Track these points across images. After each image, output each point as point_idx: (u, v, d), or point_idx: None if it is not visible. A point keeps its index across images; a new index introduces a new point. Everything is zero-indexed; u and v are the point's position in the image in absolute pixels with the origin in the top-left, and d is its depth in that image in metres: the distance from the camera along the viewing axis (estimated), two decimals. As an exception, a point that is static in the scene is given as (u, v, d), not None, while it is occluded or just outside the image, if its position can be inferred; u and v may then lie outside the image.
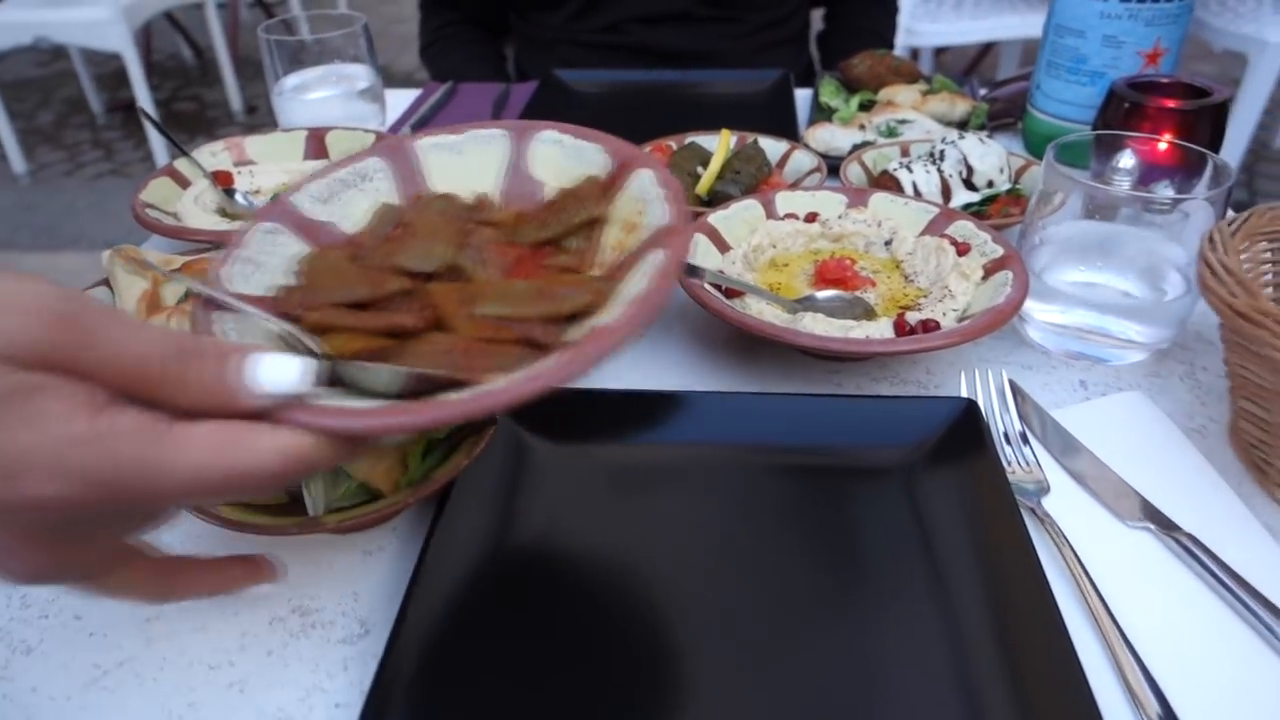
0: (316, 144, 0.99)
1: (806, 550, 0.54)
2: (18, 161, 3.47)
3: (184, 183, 0.92)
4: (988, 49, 3.44)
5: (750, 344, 0.74)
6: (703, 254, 0.75)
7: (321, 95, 1.08)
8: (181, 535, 0.57)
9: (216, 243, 0.80)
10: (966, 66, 3.45)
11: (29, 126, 3.82)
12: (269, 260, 0.49)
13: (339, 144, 0.99)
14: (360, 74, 1.10)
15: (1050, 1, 1.00)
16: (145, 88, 3.24)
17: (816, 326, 0.65)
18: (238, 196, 0.90)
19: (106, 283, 0.74)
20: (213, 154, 0.96)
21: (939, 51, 3.44)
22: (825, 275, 0.73)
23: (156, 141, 3.41)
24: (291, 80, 1.09)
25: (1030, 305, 0.71)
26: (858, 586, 0.52)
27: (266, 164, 0.98)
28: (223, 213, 0.89)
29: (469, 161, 0.54)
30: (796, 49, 1.60)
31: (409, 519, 0.59)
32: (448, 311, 0.43)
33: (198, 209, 0.88)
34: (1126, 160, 0.78)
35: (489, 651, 0.48)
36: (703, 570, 0.53)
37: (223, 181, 0.91)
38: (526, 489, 0.59)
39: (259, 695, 0.48)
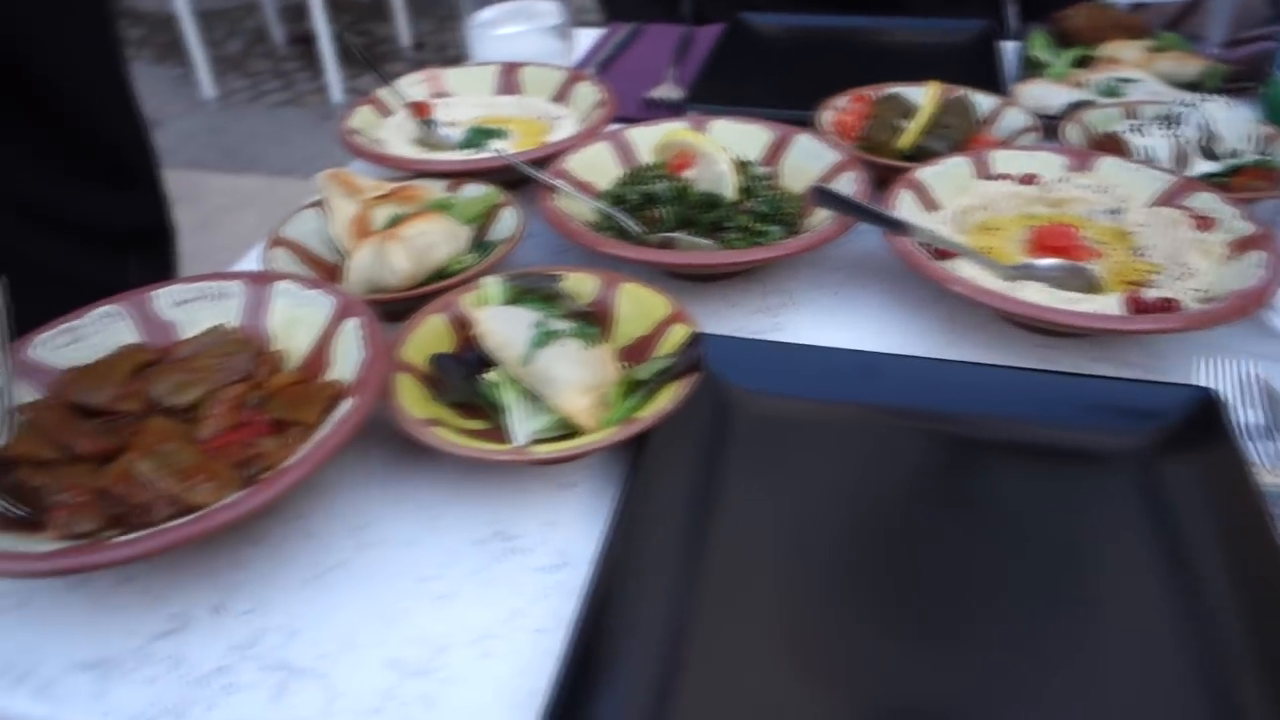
0: (509, 78, 1.00)
1: (1013, 535, 0.51)
2: (208, 87, 3.70)
3: (385, 111, 0.95)
4: (1194, 5, 3.14)
5: (952, 309, 0.70)
6: (908, 212, 0.71)
7: (513, 30, 1.09)
8: (378, 461, 0.60)
9: (418, 170, 0.82)
10: (1168, 23, 3.15)
11: (219, 54, 4.06)
12: (94, 338, 0.61)
13: (532, 80, 1.00)
14: (551, 11, 1.10)
15: (1320, -50, 0.88)
16: (325, 21, 3.38)
17: (1038, 296, 0.61)
18: (435, 127, 0.92)
19: (319, 203, 0.78)
20: (411, 85, 0.99)
21: (1137, 7, 3.17)
22: (1044, 242, 0.68)
23: (332, 74, 3.56)
24: (484, 14, 1.11)
25: (1280, 290, 0.64)
26: (1075, 575, 0.48)
27: (462, 96, 1.00)
28: (420, 142, 0.91)
29: (305, 315, 0.62)
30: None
31: (601, 456, 0.59)
32: (142, 445, 0.52)
33: (398, 137, 0.90)
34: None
35: (687, 597, 0.48)
36: (898, 539, 0.51)
37: (421, 112, 0.93)
38: (722, 437, 0.58)
39: (465, 611, 0.49)
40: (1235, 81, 1.00)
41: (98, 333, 0.61)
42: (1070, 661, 0.44)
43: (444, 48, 4.04)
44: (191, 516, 0.46)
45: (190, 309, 0.63)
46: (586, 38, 1.28)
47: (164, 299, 0.63)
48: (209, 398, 0.56)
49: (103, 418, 0.56)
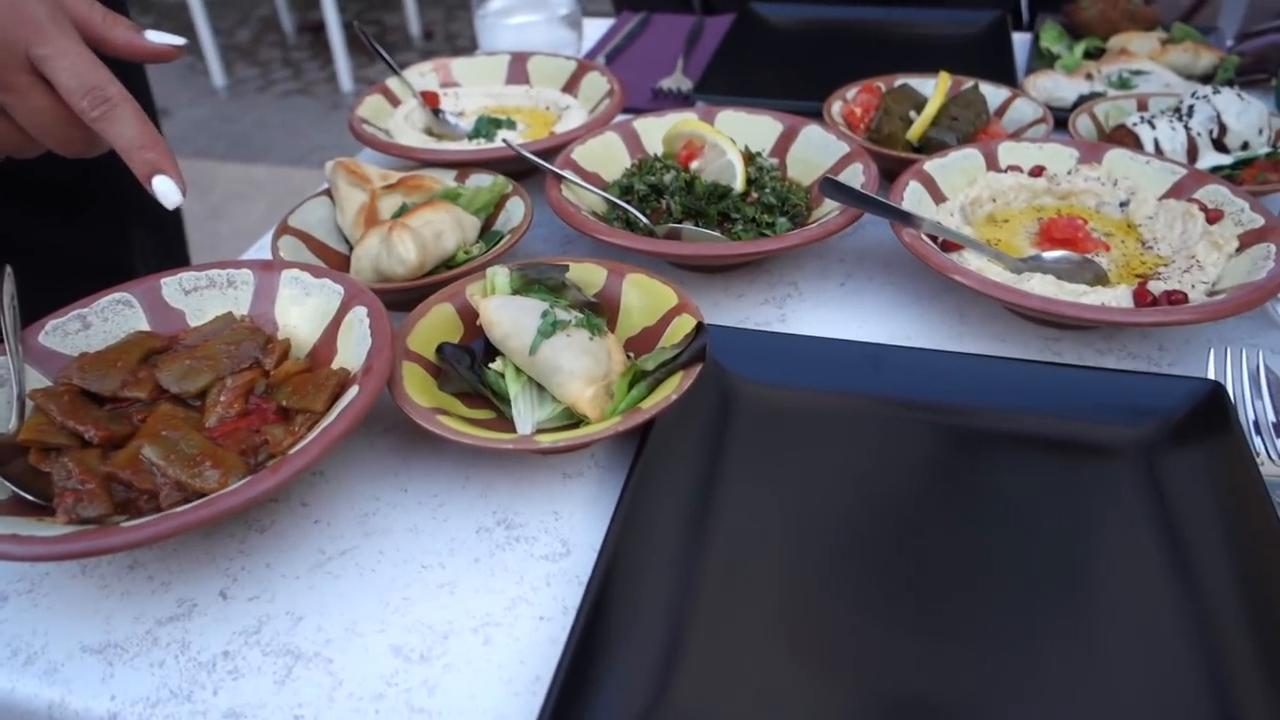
0: (518, 68, 1.00)
1: (1020, 525, 0.51)
2: (218, 76, 3.71)
3: (394, 101, 0.95)
4: (1208, -2, 3.11)
5: (960, 300, 0.70)
6: (916, 203, 0.71)
7: (523, 20, 1.09)
8: (384, 449, 0.60)
9: (427, 160, 0.82)
10: (1181, 15, 3.12)
11: (228, 43, 4.07)
12: (103, 325, 0.61)
13: (540, 70, 1.00)
14: (561, 1, 1.10)
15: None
16: (334, 10, 3.38)
17: (1045, 289, 0.61)
18: (444, 116, 0.92)
19: (328, 193, 0.78)
20: (421, 74, 0.99)
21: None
22: (1052, 234, 0.68)
23: (342, 63, 3.56)
24: (494, 4, 1.10)
25: (1290, 284, 0.64)
26: (1080, 568, 0.48)
27: (470, 86, 1.00)
28: (429, 132, 0.92)
29: (313, 304, 0.62)
30: (1005, -11, 1.48)
31: (605, 446, 0.59)
32: (151, 432, 0.53)
33: (407, 127, 0.90)
34: None
35: (689, 586, 0.48)
36: (903, 530, 0.51)
37: (430, 102, 0.94)
38: (727, 428, 0.58)
39: (468, 598, 0.50)
40: (1247, 74, 1.00)
41: (107, 320, 0.62)
42: (1074, 650, 0.44)
43: (454, 37, 4.04)
44: (198, 502, 0.47)
45: (200, 296, 0.64)
46: (597, 28, 1.28)
47: (173, 286, 0.64)
48: (217, 385, 0.57)
49: (112, 404, 0.56)
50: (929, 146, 0.81)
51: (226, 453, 0.53)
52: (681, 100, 1.04)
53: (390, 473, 0.58)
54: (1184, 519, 0.50)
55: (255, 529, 0.55)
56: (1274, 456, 0.54)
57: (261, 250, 0.80)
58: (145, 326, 0.63)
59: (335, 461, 0.59)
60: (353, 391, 0.53)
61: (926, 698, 0.43)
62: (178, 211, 1.24)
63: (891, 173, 0.76)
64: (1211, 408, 0.54)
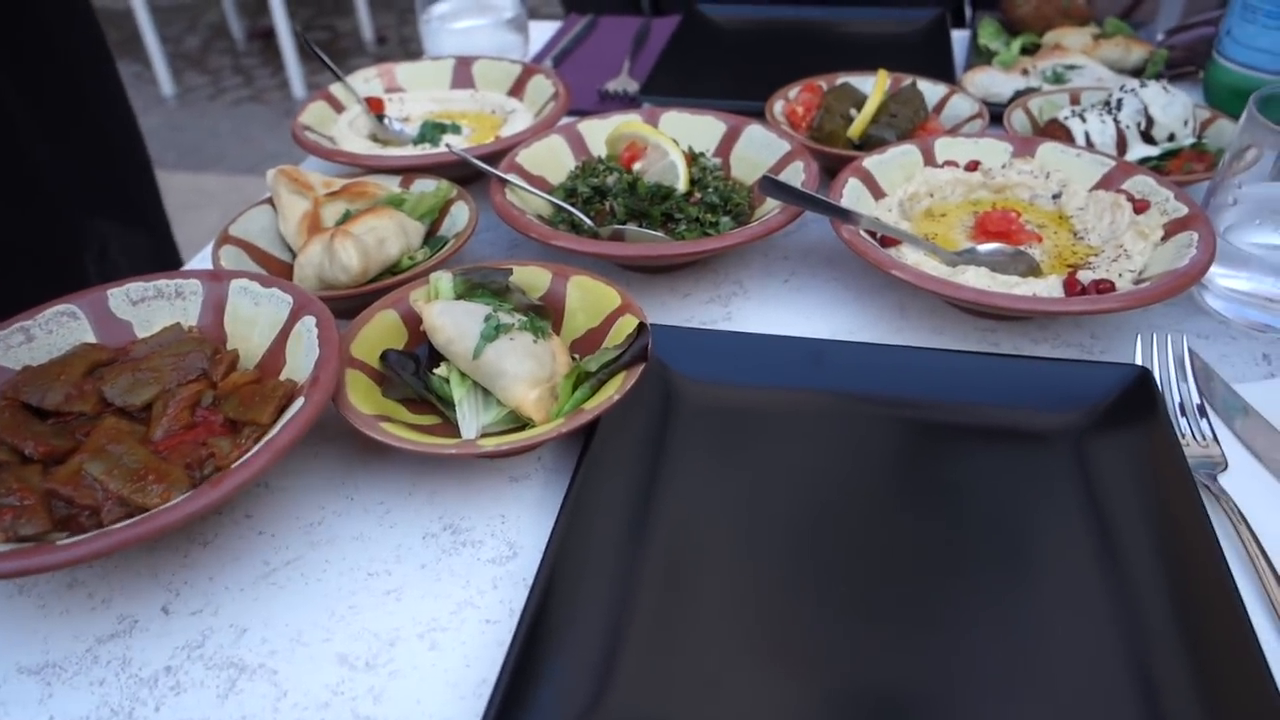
0: (463, 72, 1.00)
1: (958, 513, 0.52)
2: (166, 84, 3.64)
3: (338, 107, 0.94)
4: (1149, -7, 3.18)
5: (900, 294, 0.71)
6: (855, 199, 0.72)
7: (468, 24, 1.09)
8: (330, 457, 0.60)
9: (370, 167, 0.81)
10: (1123, 11, 3.20)
11: (176, 51, 4.00)
12: (48, 337, 0.60)
13: (485, 74, 1.00)
14: (506, 4, 1.10)
15: (1254, -63, 0.90)
16: (285, 16, 3.33)
17: (979, 281, 0.62)
18: (389, 122, 0.92)
19: (270, 201, 0.77)
20: (365, 80, 0.98)
21: (1093, -5, 3.20)
22: (987, 227, 0.70)
23: (293, 69, 3.51)
24: (439, 8, 1.10)
25: (1213, 270, 0.66)
26: (1012, 553, 0.50)
27: (416, 91, 0.99)
28: (374, 138, 0.91)
29: (262, 314, 0.61)
30: (948, -13, 1.51)
31: (552, 448, 0.60)
32: (94, 446, 0.52)
33: (351, 133, 0.90)
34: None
35: (636, 584, 0.49)
36: (844, 524, 0.52)
37: (375, 107, 0.93)
38: (672, 427, 0.59)
39: (414, 604, 0.50)
40: (1177, 67, 1.02)
41: (51, 332, 0.61)
42: (1011, 633, 0.45)
43: (407, 41, 4.01)
44: (138, 518, 0.46)
45: (147, 307, 0.63)
46: (544, 30, 1.28)
47: (120, 297, 0.63)
48: (163, 397, 0.56)
49: (55, 419, 0.56)
50: (869, 143, 0.82)
51: (171, 466, 0.52)
52: (628, 102, 1.05)
53: (336, 481, 0.58)
54: (1113, 501, 0.52)
55: (199, 542, 0.54)
56: (1198, 438, 0.56)
57: (203, 261, 0.79)
58: (91, 338, 0.62)
59: (280, 471, 0.59)
60: (299, 403, 0.53)
61: (869, 687, 0.44)
62: (159, 209, 1.23)
63: (834, 170, 0.77)
64: (1139, 392, 0.56)
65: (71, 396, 0.56)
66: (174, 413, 0.55)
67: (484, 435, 0.57)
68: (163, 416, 0.55)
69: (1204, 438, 0.56)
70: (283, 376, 0.59)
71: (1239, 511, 0.51)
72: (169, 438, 0.54)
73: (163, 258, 1.24)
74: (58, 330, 0.61)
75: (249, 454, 0.50)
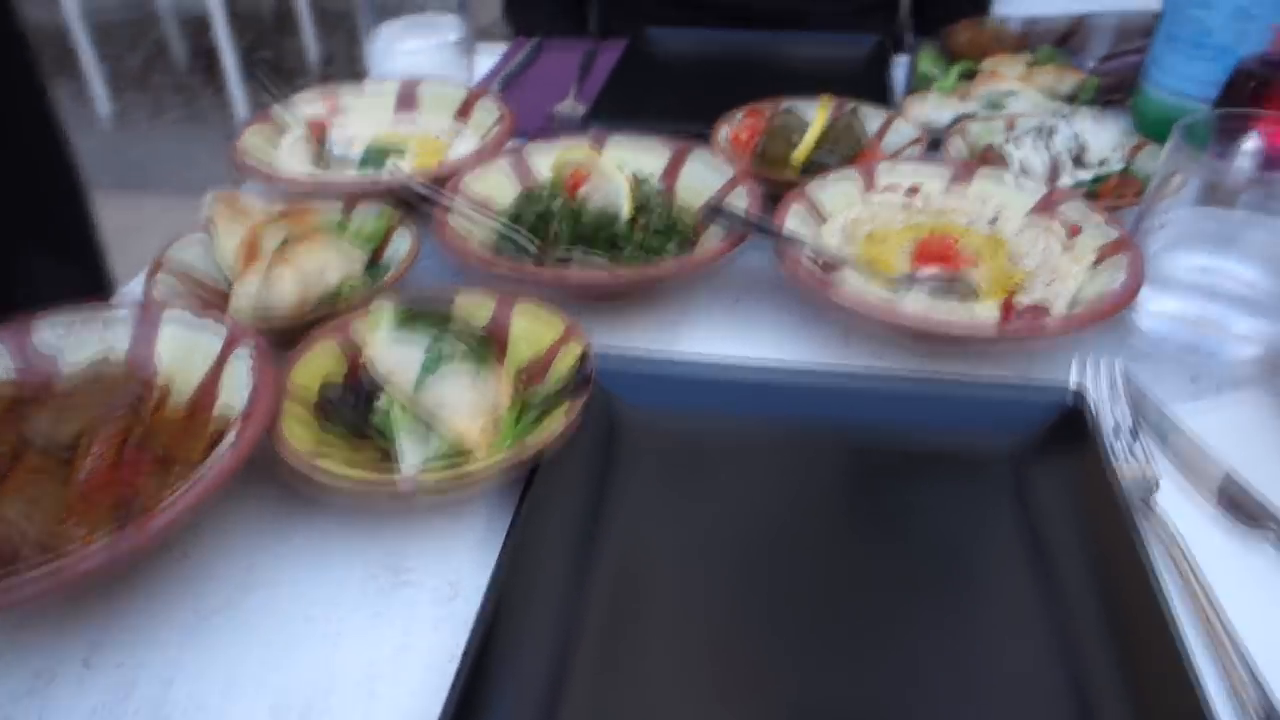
0: (408, 96, 0.99)
1: (899, 538, 0.53)
2: (104, 104, 3.56)
3: (280, 130, 0.92)
4: (1078, 22, 3.29)
5: (846, 319, 0.72)
6: (799, 224, 0.73)
7: (412, 46, 1.08)
8: (268, 495, 0.58)
9: (312, 191, 0.80)
10: (1056, 40, 3.30)
11: (116, 69, 3.91)
12: None
13: (430, 97, 0.99)
14: (451, 25, 1.09)
15: (1176, -30, 0.94)
16: (228, 36, 3.28)
17: (919, 306, 0.63)
18: (331, 145, 0.90)
19: (207, 227, 0.75)
20: (308, 103, 0.97)
21: (1028, 23, 3.31)
22: (926, 252, 0.71)
23: (236, 89, 3.46)
24: (386, 30, 1.09)
25: (1144, 293, 0.68)
26: (954, 577, 0.50)
27: (359, 114, 0.98)
28: (316, 162, 0.90)
29: (195, 345, 0.60)
30: (887, 15, 1.54)
31: (495, 481, 0.59)
32: (12, 487, 0.50)
33: (293, 158, 0.88)
34: (1252, 143, 0.73)
35: (581, 621, 0.48)
36: (789, 551, 0.52)
37: (317, 131, 0.92)
38: (617, 456, 0.58)
39: (354, 649, 0.48)
40: (1109, 93, 1.06)
41: None
42: (951, 659, 0.46)
43: (354, 61, 3.97)
44: (55, 564, 0.44)
45: (73, 339, 0.61)
46: (491, 54, 1.27)
47: (45, 329, 0.60)
48: (88, 434, 0.54)
49: None
50: (813, 169, 0.83)
51: (94, 508, 0.50)
52: (575, 126, 1.05)
53: (272, 520, 0.56)
54: (1049, 523, 0.52)
55: (124, 587, 0.52)
56: (1132, 459, 0.57)
57: (135, 290, 0.76)
58: (11, 374, 0.59)
59: (213, 510, 0.57)
60: (231, 439, 0.51)
61: (817, 715, 0.44)
62: (91, 239, 1.20)
63: (777, 195, 0.78)
64: (1074, 414, 0.57)
65: None
66: (99, 451, 0.53)
67: (425, 470, 0.56)
68: (87, 455, 0.53)
69: (1138, 459, 0.57)
70: (216, 411, 0.57)
71: (1172, 532, 0.52)
72: (93, 477, 0.52)
73: (93, 288, 1.21)
74: None
75: (178, 494, 0.49)
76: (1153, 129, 0.95)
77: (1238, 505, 0.54)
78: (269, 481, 0.58)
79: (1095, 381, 0.62)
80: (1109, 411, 0.60)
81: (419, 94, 0.99)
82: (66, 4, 3.23)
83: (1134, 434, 0.58)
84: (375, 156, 0.90)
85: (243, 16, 4.44)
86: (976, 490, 0.55)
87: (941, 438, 0.58)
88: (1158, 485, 0.56)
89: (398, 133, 0.96)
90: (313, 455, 0.53)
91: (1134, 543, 0.49)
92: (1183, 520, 0.53)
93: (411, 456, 0.56)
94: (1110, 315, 0.60)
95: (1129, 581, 0.47)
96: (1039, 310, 0.62)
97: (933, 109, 0.97)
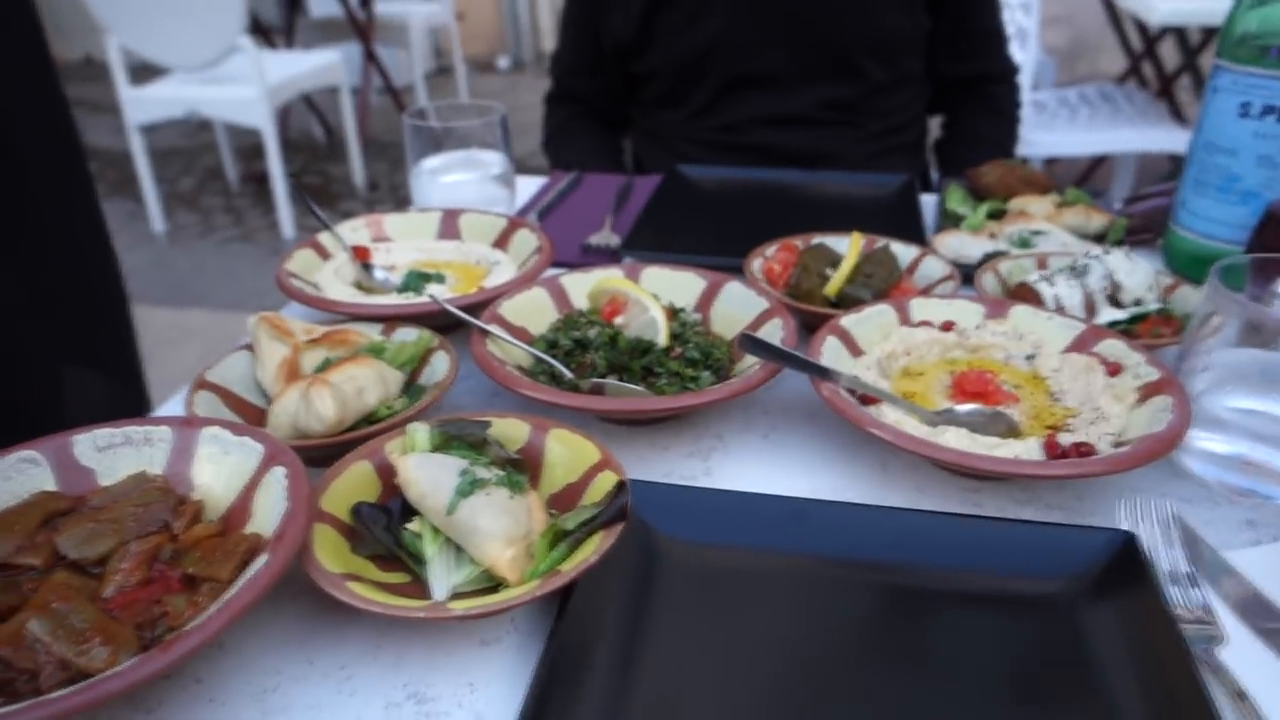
0: (450, 224, 1.03)
1: (941, 682, 0.50)
2: (158, 221, 3.72)
3: (325, 254, 0.96)
4: (1099, 162, 3.39)
5: (881, 452, 0.71)
6: (833, 357, 0.73)
7: (456, 179, 1.12)
8: (292, 615, 0.57)
9: (352, 314, 0.82)
10: (1078, 179, 3.40)
11: (171, 191, 4.11)
12: (6, 485, 0.58)
13: (471, 226, 1.02)
14: (494, 160, 1.14)
15: (1199, 118, 0.97)
16: (279, 161, 3.46)
17: (960, 442, 0.62)
18: (374, 271, 0.93)
19: (250, 347, 0.77)
20: (353, 229, 1.00)
21: (1049, 162, 3.41)
22: (965, 387, 0.70)
23: (284, 211, 3.61)
24: (429, 163, 1.14)
25: (1191, 433, 0.67)
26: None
27: (402, 241, 1.01)
28: (359, 286, 0.92)
29: (231, 463, 0.60)
30: (913, 155, 1.60)
31: (526, 610, 0.57)
32: (40, 603, 0.49)
33: (337, 280, 0.91)
34: (1289, 285, 0.73)
35: (611, 765, 0.46)
36: (827, 692, 0.49)
37: (360, 256, 0.95)
38: (651, 588, 0.56)
39: (372, 786, 0.46)
40: (1136, 234, 1.07)
41: (10, 479, 0.58)
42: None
43: (397, 188, 4.15)
44: (77, 686, 0.43)
45: (113, 455, 0.61)
46: (531, 185, 1.32)
47: (86, 444, 0.61)
48: (120, 551, 0.54)
49: (3, 571, 0.53)
50: (845, 302, 0.84)
51: (120, 627, 0.49)
52: (610, 256, 1.07)
53: (295, 643, 0.55)
54: (1106, 673, 0.50)
55: (142, 710, 0.50)
56: (1190, 607, 0.55)
57: (176, 405, 0.77)
58: (52, 486, 0.59)
59: (237, 630, 0.55)
60: (262, 560, 0.50)
61: None
62: (132, 354, 1.23)
63: (811, 326, 0.79)
64: (1126, 558, 0.55)
65: (23, 548, 0.54)
66: (129, 568, 0.53)
67: (455, 596, 0.55)
68: (117, 572, 0.52)
69: (1197, 607, 0.54)
70: (248, 529, 0.57)
71: (1239, 687, 0.49)
72: (122, 594, 0.51)
73: (131, 403, 1.23)
74: (17, 477, 0.59)
75: (204, 615, 0.48)
76: (1185, 268, 0.96)
77: (1306, 661, 0.51)
78: (293, 600, 0.57)
79: (1146, 524, 0.60)
80: (1163, 556, 0.58)
81: (460, 223, 1.03)
82: (130, 130, 3.43)
83: (1191, 580, 0.56)
84: (416, 281, 0.92)
85: (294, 144, 4.69)
86: (1026, 635, 0.53)
87: (990, 579, 0.56)
88: (1223, 637, 0.53)
89: (438, 259, 0.99)
90: (343, 576, 0.52)
91: (1199, 694, 0.46)
92: (1248, 673, 0.50)
93: (442, 582, 0.55)
94: (1160, 455, 0.58)
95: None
96: (1085, 448, 0.61)
97: (963, 245, 0.99)
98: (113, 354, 1.23)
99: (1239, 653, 0.52)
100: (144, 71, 3.45)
